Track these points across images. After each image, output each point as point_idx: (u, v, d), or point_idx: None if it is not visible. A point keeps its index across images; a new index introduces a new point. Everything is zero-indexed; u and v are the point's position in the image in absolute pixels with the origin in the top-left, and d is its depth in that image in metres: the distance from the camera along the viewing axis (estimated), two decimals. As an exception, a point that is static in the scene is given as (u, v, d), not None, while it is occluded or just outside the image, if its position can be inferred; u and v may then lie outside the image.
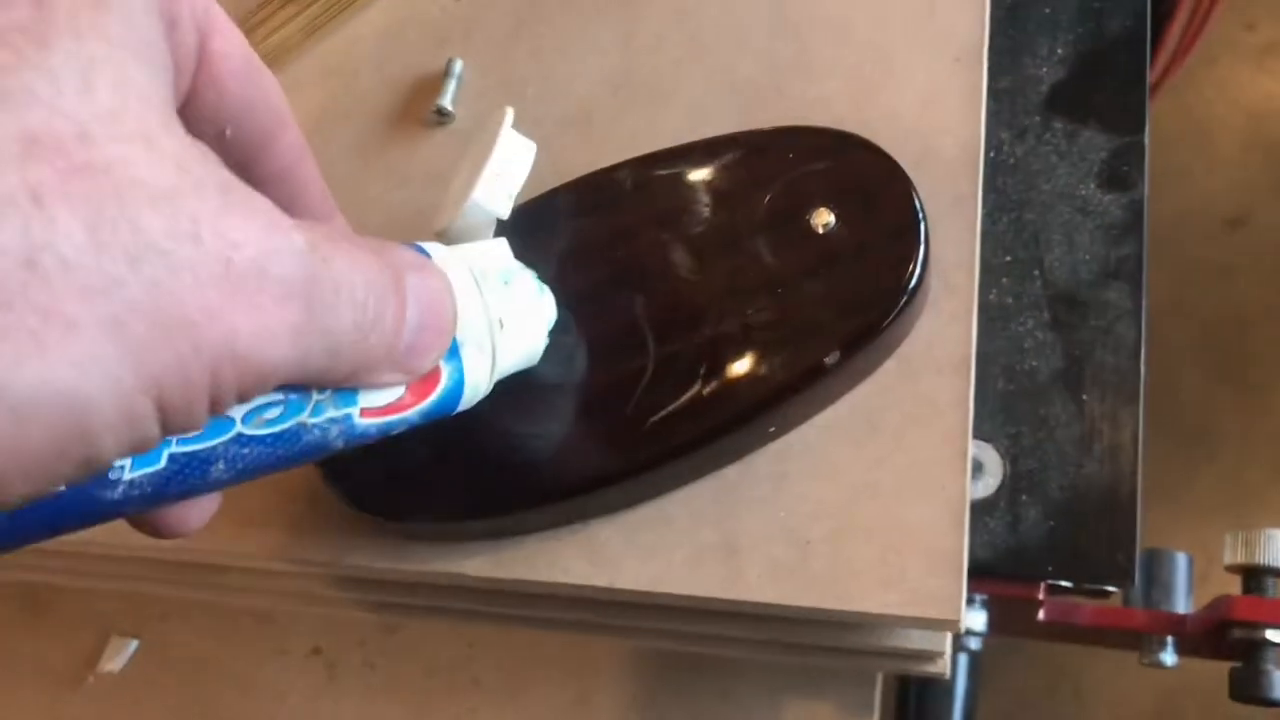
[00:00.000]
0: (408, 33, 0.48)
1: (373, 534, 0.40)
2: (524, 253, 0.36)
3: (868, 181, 0.38)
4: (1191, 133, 1.68)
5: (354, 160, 0.46)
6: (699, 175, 0.40)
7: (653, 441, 0.37)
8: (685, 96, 0.44)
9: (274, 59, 0.48)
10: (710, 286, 0.38)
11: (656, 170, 0.40)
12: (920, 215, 0.38)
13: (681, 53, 0.45)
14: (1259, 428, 1.56)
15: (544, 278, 0.35)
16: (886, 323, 0.37)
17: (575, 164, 0.44)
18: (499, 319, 0.32)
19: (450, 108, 0.45)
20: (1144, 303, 0.47)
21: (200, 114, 0.27)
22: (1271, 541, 0.46)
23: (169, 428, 0.21)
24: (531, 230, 0.40)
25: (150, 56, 0.22)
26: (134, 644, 0.56)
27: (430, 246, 0.31)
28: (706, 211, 0.39)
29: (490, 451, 0.38)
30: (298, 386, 0.26)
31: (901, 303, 0.37)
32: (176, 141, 0.21)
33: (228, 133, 0.28)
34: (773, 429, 0.38)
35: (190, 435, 0.25)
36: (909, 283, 0.37)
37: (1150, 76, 0.96)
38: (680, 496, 0.39)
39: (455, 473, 0.38)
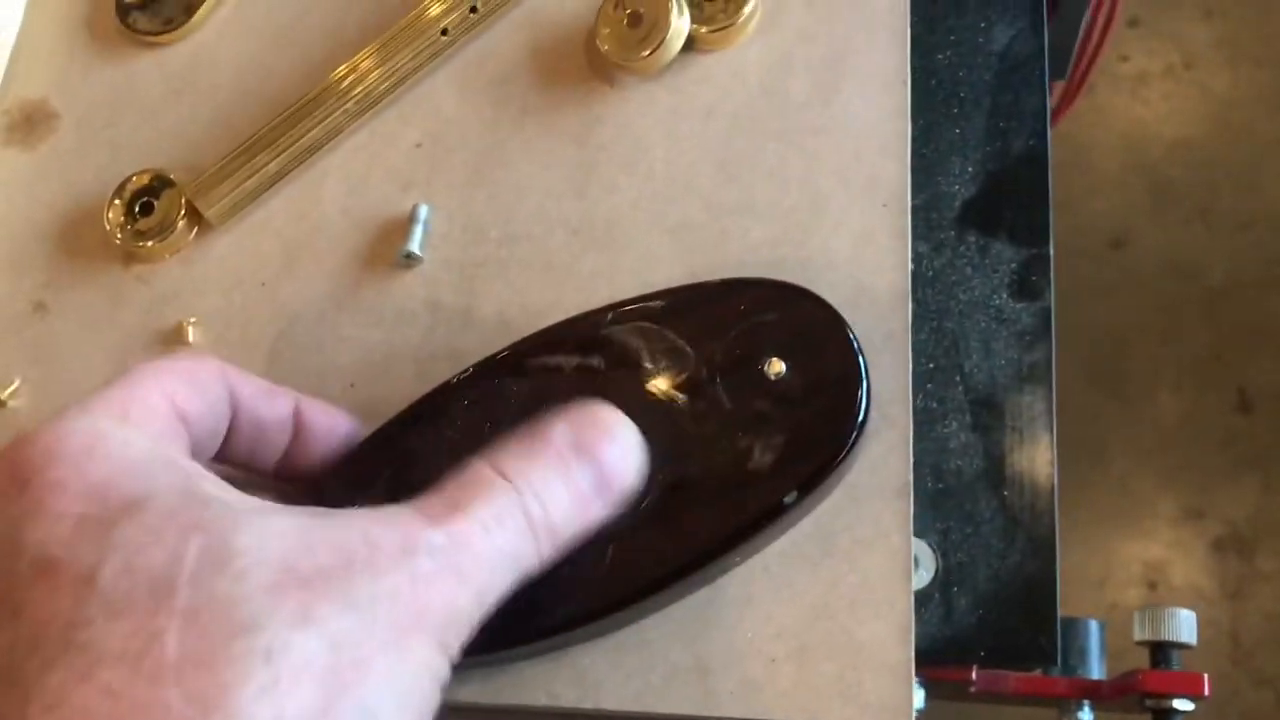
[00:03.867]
0: (372, 176, 0.51)
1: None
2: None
3: (813, 330, 0.42)
4: (1074, 159, 1.77)
5: (327, 301, 0.49)
6: (660, 325, 0.43)
7: (628, 580, 0.41)
8: (639, 238, 0.48)
9: (245, 201, 0.50)
10: (676, 432, 0.42)
11: (621, 321, 0.44)
12: (861, 360, 0.42)
13: (635, 195, 0.48)
14: (1142, 439, 1.65)
15: None
16: (838, 461, 0.41)
17: (539, 304, 0.47)
18: None
19: (419, 252, 0.48)
20: (1053, 404, 0.52)
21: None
22: (1174, 618, 0.51)
23: None
24: (505, 377, 0.43)
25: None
26: None
27: None
28: (668, 360, 0.43)
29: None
30: None
31: (850, 442, 0.41)
32: None
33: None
34: (738, 559, 0.42)
35: None
36: (856, 423, 0.41)
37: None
38: (655, 621, 0.42)
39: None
